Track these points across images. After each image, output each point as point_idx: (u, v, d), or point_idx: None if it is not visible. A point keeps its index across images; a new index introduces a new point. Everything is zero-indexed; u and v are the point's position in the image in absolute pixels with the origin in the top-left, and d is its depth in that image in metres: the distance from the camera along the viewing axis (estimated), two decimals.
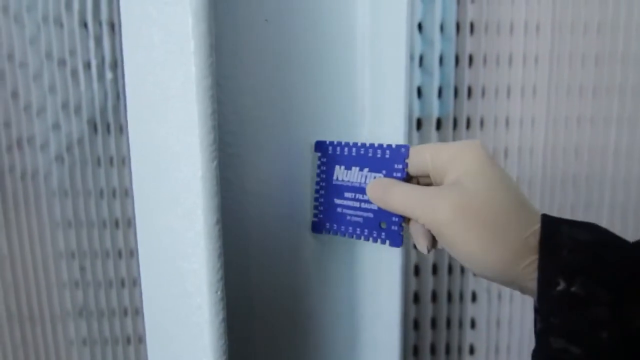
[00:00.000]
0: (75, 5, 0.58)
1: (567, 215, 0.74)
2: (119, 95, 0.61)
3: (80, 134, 0.62)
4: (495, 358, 0.78)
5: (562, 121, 0.71)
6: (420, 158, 0.30)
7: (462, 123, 0.69)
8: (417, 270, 0.73)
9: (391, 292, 0.46)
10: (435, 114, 0.68)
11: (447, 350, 0.77)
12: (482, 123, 0.70)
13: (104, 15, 0.60)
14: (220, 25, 0.32)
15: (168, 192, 0.31)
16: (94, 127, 0.62)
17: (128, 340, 0.63)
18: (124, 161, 0.63)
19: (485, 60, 0.68)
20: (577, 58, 0.70)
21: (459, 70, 0.67)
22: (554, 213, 0.31)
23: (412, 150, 0.30)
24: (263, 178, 0.38)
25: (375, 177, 0.33)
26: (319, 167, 0.36)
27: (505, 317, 0.77)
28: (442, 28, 0.66)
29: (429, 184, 0.31)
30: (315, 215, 0.37)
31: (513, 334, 0.77)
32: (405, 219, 0.32)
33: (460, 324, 0.76)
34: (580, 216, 0.74)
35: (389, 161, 0.32)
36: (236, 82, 0.36)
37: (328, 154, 0.36)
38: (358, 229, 0.34)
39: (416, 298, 0.74)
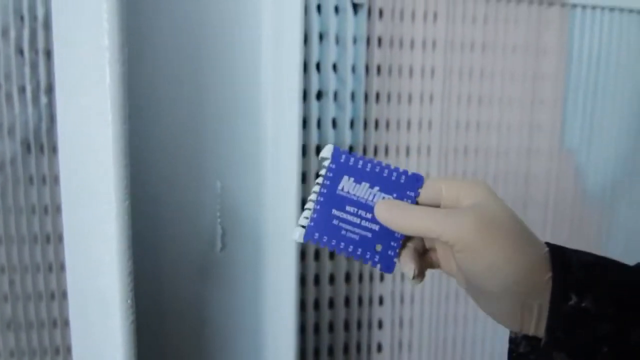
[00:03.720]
0: (12, 33, 0.63)
1: None
2: (53, 118, 0.66)
3: (13, 153, 0.65)
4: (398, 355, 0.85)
5: (452, 152, 0.84)
6: (435, 188, 0.31)
7: (370, 150, 0.79)
8: (316, 279, 0.80)
9: (289, 300, 0.51)
10: (347, 142, 0.77)
11: (346, 350, 0.84)
12: (386, 151, 0.80)
13: (40, 44, 0.65)
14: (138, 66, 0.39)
15: (90, 215, 0.36)
16: (27, 148, 0.65)
17: (57, 351, 0.64)
18: (57, 179, 0.66)
19: (389, 98, 0.79)
20: (464, 99, 0.83)
21: (368, 105, 0.78)
22: None
23: (427, 181, 0.32)
24: (174, 205, 0.43)
25: (384, 198, 0.33)
26: (325, 173, 0.34)
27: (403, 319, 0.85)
28: (353, 69, 0.76)
29: None
30: (306, 221, 0.34)
31: (414, 333, 0.85)
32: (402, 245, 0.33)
33: (359, 326, 0.84)
34: None
35: (403, 186, 0.33)
36: (150, 126, 0.42)
37: (339, 162, 0.34)
38: (351, 246, 0.33)
39: (316, 304, 0.81)
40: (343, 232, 0.33)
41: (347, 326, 0.82)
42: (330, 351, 0.82)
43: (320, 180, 0.34)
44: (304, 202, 0.76)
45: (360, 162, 0.34)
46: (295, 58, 0.49)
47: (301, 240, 0.34)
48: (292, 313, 0.50)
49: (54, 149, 0.66)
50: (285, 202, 0.47)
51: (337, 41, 0.75)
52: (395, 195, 0.33)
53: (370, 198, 0.33)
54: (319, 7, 0.73)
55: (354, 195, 0.33)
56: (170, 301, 0.45)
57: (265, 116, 0.48)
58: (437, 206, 0.31)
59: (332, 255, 0.80)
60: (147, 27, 0.42)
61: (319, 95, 0.76)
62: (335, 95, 0.76)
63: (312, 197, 0.34)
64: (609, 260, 0.28)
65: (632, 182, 0.97)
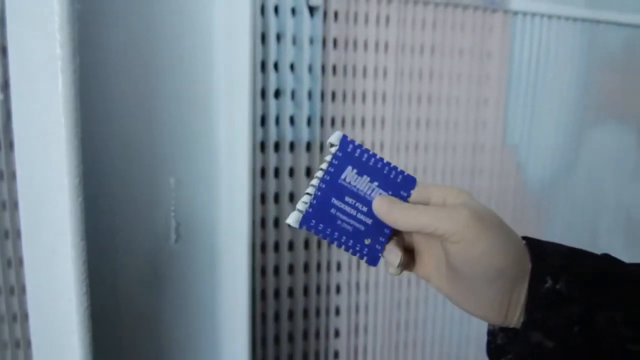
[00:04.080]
0: None
1: None
2: (9, 115, 0.66)
3: None
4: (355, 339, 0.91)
5: (403, 148, 0.89)
6: (425, 190, 0.33)
7: (327, 147, 0.83)
8: (276, 270, 0.85)
9: (241, 290, 0.55)
10: (305, 139, 0.81)
11: (290, 338, 0.89)
12: None
13: None
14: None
15: (47, 211, 0.38)
16: None
17: (17, 344, 0.64)
18: (14, 175, 0.67)
19: (344, 96, 0.83)
20: (414, 98, 0.88)
21: (324, 103, 0.81)
22: None
23: (419, 184, 0.34)
24: (128, 200, 0.46)
25: (381, 193, 0.33)
26: (331, 160, 0.33)
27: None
28: (310, 69, 0.80)
29: None
30: (304, 206, 0.33)
31: (369, 318, 0.91)
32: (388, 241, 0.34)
33: (306, 315, 0.89)
34: None
35: (398, 185, 0.34)
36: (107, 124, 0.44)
37: (346, 151, 0.33)
38: (344, 237, 0.34)
39: (266, 294, 0.85)
40: (339, 222, 0.33)
41: (306, 313, 0.87)
42: (291, 337, 0.86)
43: (324, 166, 0.33)
44: (262, 196, 0.80)
45: (365, 155, 0.34)
46: (245, 57, 0.52)
47: (296, 226, 0.33)
48: (245, 301, 0.53)
49: (11, 145, 0.67)
50: (238, 196, 0.50)
51: (294, 42, 0.78)
52: (390, 192, 0.33)
53: (369, 192, 0.33)
54: (276, 9, 0.76)
55: (355, 187, 0.33)
56: (126, 291, 0.48)
57: (218, 114, 0.51)
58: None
59: (291, 246, 0.84)
60: (102, 25, 0.44)
61: (277, 94, 0.79)
62: (293, 93, 0.79)
63: (314, 182, 0.33)
64: (580, 250, 0.31)
65: (569, 175, 1.05)
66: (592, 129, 1.06)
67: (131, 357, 0.51)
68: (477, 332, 1.00)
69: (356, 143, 0.34)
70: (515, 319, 0.31)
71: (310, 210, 0.33)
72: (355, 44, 0.82)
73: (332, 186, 0.33)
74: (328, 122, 0.82)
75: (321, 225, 0.33)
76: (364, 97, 0.84)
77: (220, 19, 0.51)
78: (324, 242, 0.86)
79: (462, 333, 1.00)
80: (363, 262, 0.90)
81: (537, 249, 0.31)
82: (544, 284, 0.29)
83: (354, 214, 0.33)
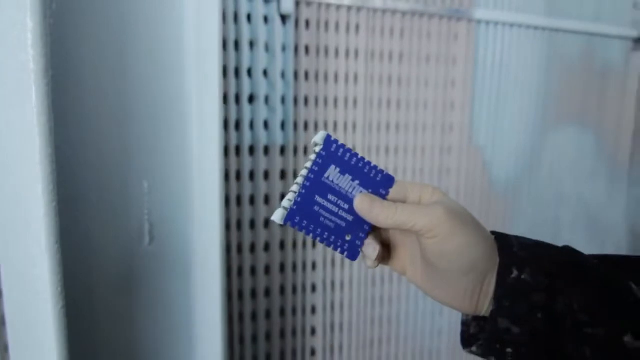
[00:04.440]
0: None
1: None
2: None
3: None
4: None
5: (374, 150, 0.93)
6: (403, 189, 0.35)
7: (300, 150, 0.86)
8: (249, 271, 0.87)
9: (215, 290, 0.57)
10: (279, 143, 0.83)
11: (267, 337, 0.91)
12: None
13: None
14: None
15: (22, 216, 0.40)
16: None
17: None
18: None
19: (317, 101, 0.86)
20: (384, 102, 0.92)
21: (298, 108, 0.84)
22: None
23: (397, 182, 0.36)
24: (102, 205, 0.48)
25: (362, 192, 0.35)
26: (315, 159, 0.35)
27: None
28: (283, 75, 0.82)
29: None
30: (289, 204, 0.35)
31: (344, 315, 0.94)
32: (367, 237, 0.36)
33: (282, 313, 0.91)
34: None
35: (378, 183, 0.35)
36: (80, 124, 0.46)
37: (330, 151, 0.35)
38: (326, 233, 0.35)
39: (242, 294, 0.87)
40: (322, 219, 0.35)
41: (283, 312, 0.89)
42: (268, 336, 0.88)
43: (309, 164, 0.35)
44: (238, 198, 0.82)
45: (348, 155, 0.35)
46: (214, 62, 0.54)
47: (281, 222, 0.34)
48: (219, 301, 0.55)
49: None
50: (210, 199, 0.52)
51: (267, 49, 0.81)
52: (370, 190, 0.35)
53: (351, 190, 0.35)
54: (249, 17, 0.79)
55: (337, 185, 0.35)
56: (101, 292, 0.50)
57: (190, 119, 0.53)
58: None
59: (267, 247, 0.86)
60: (74, 31, 0.46)
61: (251, 99, 0.81)
62: (267, 98, 0.82)
63: (299, 180, 0.35)
64: (543, 242, 0.34)
65: (532, 175, 1.11)
66: (553, 131, 1.12)
67: (107, 358, 0.52)
68: (449, 326, 1.05)
69: (339, 143, 0.35)
70: (485, 307, 0.33)
71: (295, 207, 0.34)
72: (326, 51, 0.86)
73: (316, 184, 0.35)
74: (301, 126, 0.85)
75: (305, 222, 0.34)
76: (336, 102, 0.88)
77: (190, 26, 0.53)
78: (300, 243, 0.89)
79: (435, 327, 1.04)
80: (337, 262, 0.93)
81: (504, 242, 0.33)
82: (511, 274, 0.31)
83: (336, 211, 0.35)
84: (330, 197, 0.35)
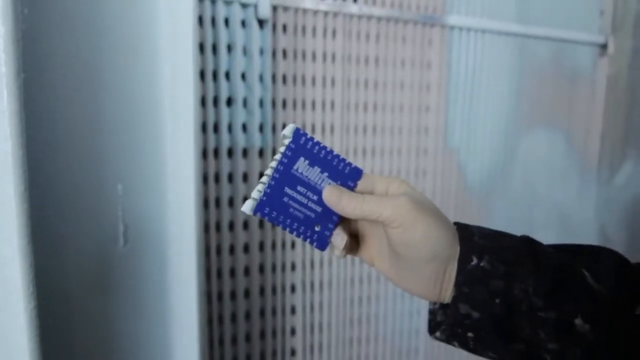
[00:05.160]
0: None
1: None
2: None
3: None
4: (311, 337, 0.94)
5: (352, 152, 0.94)
6: (370, 181, 0.36)
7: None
8: (219, 273, 0.87)
9: (191, 292, 0.58)
10: (257, 145, 0.84)
11: (247, 338, 0.91)
12: None
13: None
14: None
15: None
16: None
17: None
18: None
19: (294, 104, 0.87)
20: (361, 106, 0.94)
21: (275, 111, 0.86)
22: None
23: (364, 175, 0.37)
24: (76, 207, 0.48)
25: (330, 183, 0.36)
26: (284, 151, 0.35)
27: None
28: (261, 78, 0.84)
29: None
30: (259, 195, 0.35)
31: (324, 316, 0.95)
32: (335, 227, 0.36)
33: (262, 314, 0.92)
34: None
35: (346, 175, 0.36)
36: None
37: (299, 143, 0.35)
38: (295, 224, 0.36)
39: (220, 295, 0.88)
40: (291, 209, 0.36)
41: (262, 313, 0.90)
42: (248, 337, 0.89)
43: (278, 157, 0.35)
44: (217, 200, 0.83)
45: (317, 148, 0.35)
46: (188, 66, 0.55)
47: (250, 213, 0.35)
48: (194, 303, 0.56)
49: None
50: (185, 200, 0.53)
51: (245, 52, 0.82)
52: (339, 182, 0.36)
53: (319, 182, 0.36)
54: (226, 21, 0.80)
55: (306, 177, 0.35)
56: (76, 294, 0.50)
57: (164, 121, 0.54)
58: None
59: (246, 249, 0.87)
60: (46, 35, 0.46)
61: (229, 102, 0.82)
62: (245, 101, 0.83)
63: (268, 172, 0.35)
64: (502, 232, 0.36)
65: (505, 175, 1.15)
66: (525, 133, 1.16)
67: (82, 359, 0.53)
68: (426, 325, 1.07)
69: (308, 136, 0.36)
70: (448, 294, 0.34)
71: (264, 198, 0.35)
72: (304, 55, 0.87)
73: (285, 176, 0.35)
74: (279, 128, 0.87)
75: (274, 212, 0.35)
76: (314, 105, 0.89)
77: (164, 30, 0.54)
78: (279, 244, 0.90)
79: (412, 326, 1.06)
80: (317, 263, 0.94)
81: (464, 231, 0.35)
82: (470, 262, 0.33)
83: (305, 202, 0.36)
84: (299, 188, 0.35)
